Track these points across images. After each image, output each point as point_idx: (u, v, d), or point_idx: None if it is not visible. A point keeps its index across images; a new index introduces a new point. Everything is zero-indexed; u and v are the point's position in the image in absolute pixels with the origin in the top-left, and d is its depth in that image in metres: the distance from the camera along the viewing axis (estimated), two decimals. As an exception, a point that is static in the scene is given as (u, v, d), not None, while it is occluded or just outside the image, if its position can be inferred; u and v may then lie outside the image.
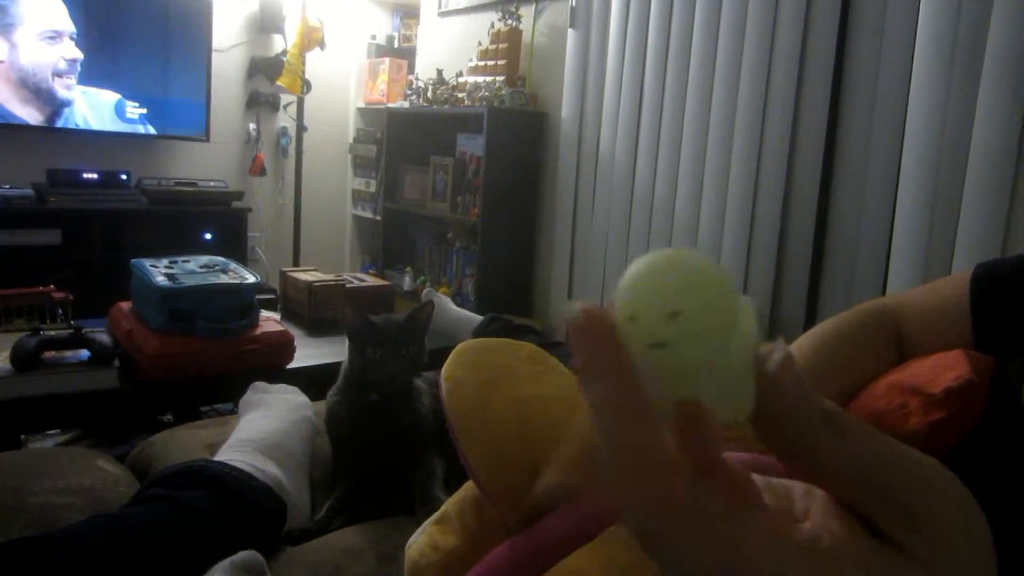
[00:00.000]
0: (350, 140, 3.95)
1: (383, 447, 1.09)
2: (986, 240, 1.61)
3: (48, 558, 0.78)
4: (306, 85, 3.36)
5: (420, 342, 1.15)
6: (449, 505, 0.59)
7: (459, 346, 0.59)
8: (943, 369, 0.70)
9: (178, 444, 1.24)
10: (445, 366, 0.56)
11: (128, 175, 3.14)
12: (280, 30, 3.56)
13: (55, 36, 2.91)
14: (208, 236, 3.22)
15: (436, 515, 0.59)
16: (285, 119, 3.72)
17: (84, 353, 1.63)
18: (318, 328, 2.00)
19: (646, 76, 2.41)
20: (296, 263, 3.53)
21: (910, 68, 1.75)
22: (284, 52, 3.41)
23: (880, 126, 1.88)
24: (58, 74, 2.95)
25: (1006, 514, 0.23)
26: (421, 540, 0.58)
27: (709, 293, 0.22)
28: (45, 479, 1.06)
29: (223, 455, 1.06)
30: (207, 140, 3.37)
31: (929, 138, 1.70)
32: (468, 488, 0.59)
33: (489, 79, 2.87)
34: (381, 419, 1.10)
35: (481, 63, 2.96)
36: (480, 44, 3.02)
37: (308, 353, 1.78)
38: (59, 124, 2.99)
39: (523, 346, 0.62)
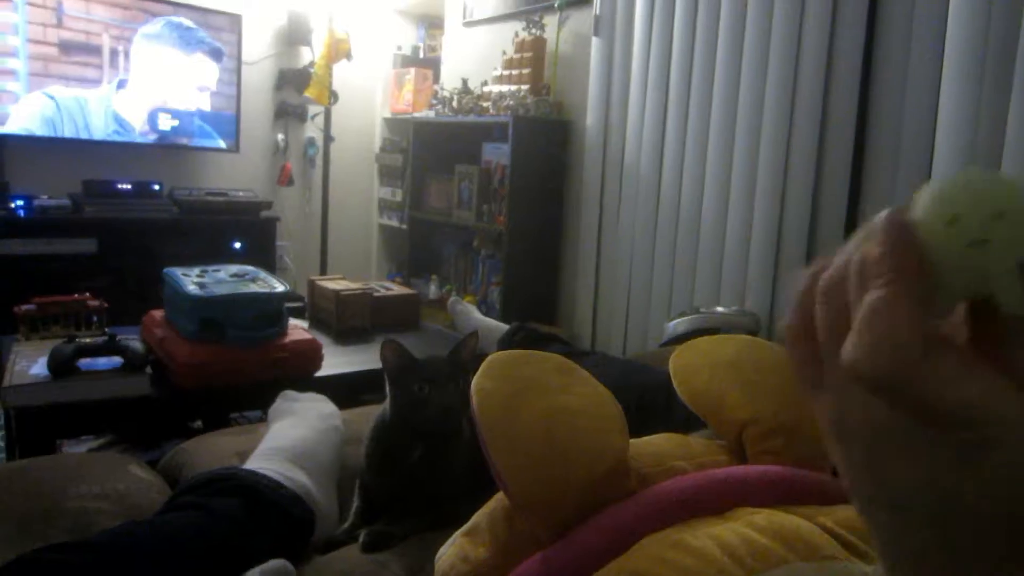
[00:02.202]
0: (376, 150, 3.98)
1: (417, 501, 1.03)
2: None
3: (84, 564, 0.79)
4: (333, 96, 3.40)
5: (468, 375, 1.03)
6: (480, 516, 0.59)
7: (488, 358, 0.59)
8: None
9: (208, 451, 1.25)
10: (475, 378, 0.57)
11: (160, 185, 3.20)
12: (308, 42, 3.62)
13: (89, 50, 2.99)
14: (238, 245, 3.27)
15: (467, 526, 0.59)
16: (312, 129, 3.76)
17: (118, 360, 1.66)
18: (346, 336, 2.02)
19: (671, 83, 2.40)
20: (323, 272, 3.57)
21: (939, 78, 1.72)
22: (311, 64, 3.46)
23: (909, 135, 1.85)
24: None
25: None
26: (451, 552, 0.58)
27: (1022, 206, 0.24)
28: (81, 484, 1.08)
29: (253, 463, 1.07)
30: (237, 151, 3.42)
31: (959, 146, 1.67)
32: (499, 500, 0.58)
33: (514, 88, 2.88)
34: (420, 478, 1.02)
35: (506, 72, 2.97)
36: (504, 53, 3.04)
37: (336, 361, 1.79)
38: (94, 136, 3.06)
39: (551, 357, 0.62)
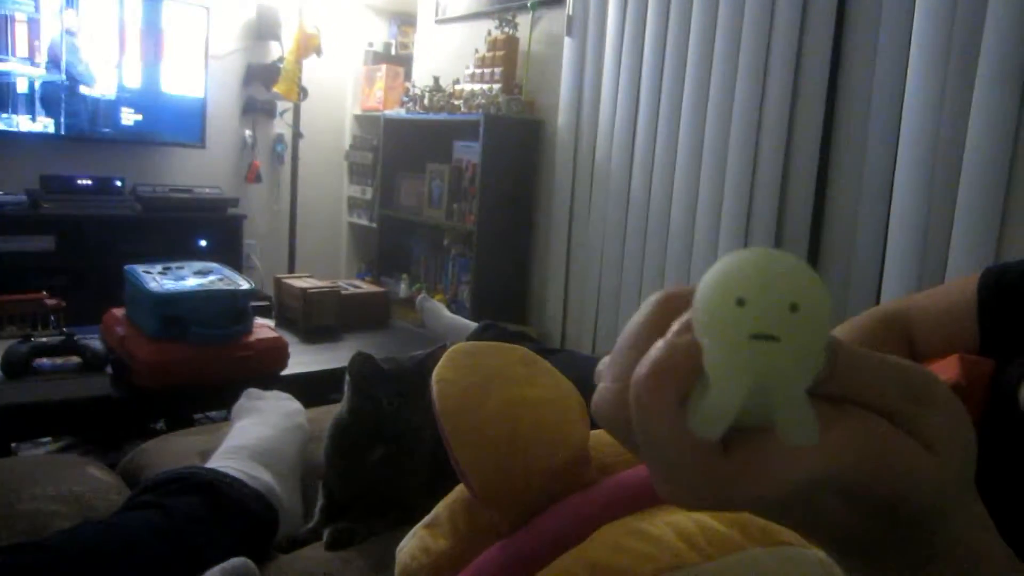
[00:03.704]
0: (346, 147, 3.95)
1: (378, 500, 1.02)
2: (981, 242, 1.61)
3: (36, 565, 0.77)
4: (302, 92, 3.37)
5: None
6: (440, 508, 0.59)
7: (451, 348, 0.59)
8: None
9: (170, 451, 1.23)
10: (437, 368, 0.56)
11: (123, 181, 3.13)
12: (277, 37, 3.57)
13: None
14: (203, 243, 3.21)
15: (427, 518, 0.59)
16: (281, 126, 3.72)
17: (76, 360, 1.62)
18: (313, 335, 2.00)
19: (642, 83, 2.42)
20: (291, 270, 3.52)
21: (904, 76, 1.76)
22: (281, 59, 3.42)
23: (875, 135, 1.89)
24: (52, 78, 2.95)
25: (1000, 516, 0.26)
26: (412, 544, 0.58)
27: (824, 299, 0.20)
28: (35, 486, 1.05)
29: (215, 462, 1.05)
30: (203, 147, 3.36)
31: (924, 142, 1.71)
32: (459, 491, 0.58)
33: (486, 86, 2.88)
34: (380, 477, 1.01)
35: (478, 70, 2.97)
36: (477, 52, 3.03)
37: (303, 360, 1.77)
38: (53, 130, 2.99)
39: (515, 349, 0.61)
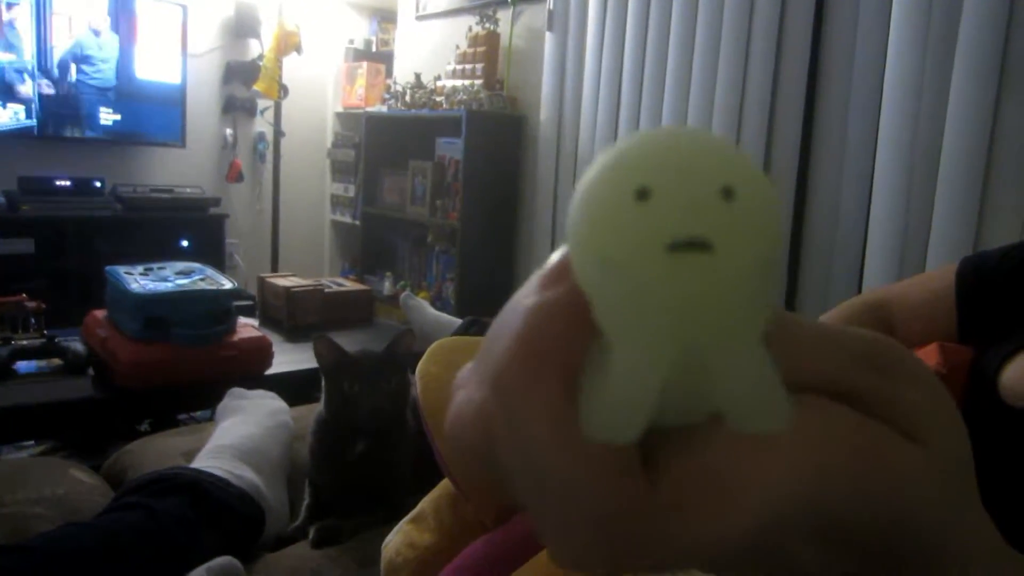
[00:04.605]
0: (328, 145, 3.93)
1: (364, 496, 1.04)
2: (960, 232, 1.64)
3: (20, 568, 0.76)
4: (283, 90, 3.34)
5: (402, 373, 1.03)
6: (425, 503, 0.59)
7: (434, 344, 0.59)
8: None
9: (154, 452, 1.22)
10: (420, 364, 0.56)
11: (102, 182, 3.10)
12: (256, 34, 3.54)
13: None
14: (185, 243, 3.18)
15: (412, 513, 0.59)
16: (262, 124, 3.69)
17: (58, 362, 1.60)
18: (297, 334, 1.99)
19: (624, 78, 2.43)
20: (275, 269, 3.50)
21: (882, 71, 1.78)
22: (260, 57, 3.39)
23: (855, 129, 1.91)
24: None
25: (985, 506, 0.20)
26: (397, 539, 0.58)
27: (767, 181, 0.13)
28: (17, 489, 1.04)
29: (200, 462, 1.05)
30: (183, 146, 3.33)
31: (903, 135, 1.73)
32: (444, 486, 0.58)
33: (467, 82, 2.87)
34: (364, 472, 1.02)
35: (459, 66, 2.96)
36: (458, 47, 3.02)
37: (287, 359, 1.77)
38: (24, 115, 2.94)
39: (498, 344, 0.62)
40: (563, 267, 0.15)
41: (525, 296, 0.16)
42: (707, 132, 0.14)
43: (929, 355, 0.71)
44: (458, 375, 0.18)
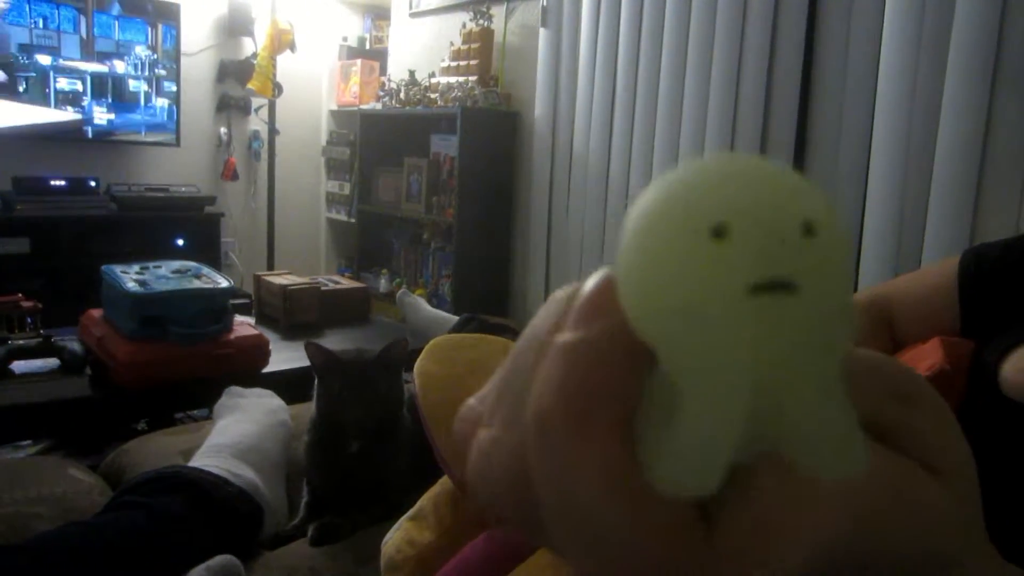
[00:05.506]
0: (323, 143, 3.92)
1: (360, 494, 1.04)
2: (955, 230, 1.65)
3: (20, 568, 0.76)
4: (277, 88, 3.33)
5: (394, 378, 1.03)
6: (425, 501, 0.59)
7: (432, 341, 0.60)
8: (919, 360, 0.70)
9: (152, 451, 1.22)
10: (418, 361, 0.57)
11: (97, 181, 3.09)
12: (250, 33, 3.53)
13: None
14: (181, 242, 3.18)
15: (412, 511, 0.60)
16: (257, 123, 3.68)
17: (55, 362, 1.60)
18: (294, 332, 1.99)
19: (618, 74, 2.43)
20: (270, 267, 3.50)
21: (877, 68, 1.79)
22: (254, 55, 3.38)
23: (849, 125, 1.91)
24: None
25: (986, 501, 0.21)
26: (397, 536, 0.58)
27: (838, 217, 0.12)
28: (15, 489, 1.04)
29: (198, 461, 1.05)
30: (177, 145, 3.32)
31: (897, 131, 1.74)
32: (443, 483, 0.59)
33: (462, 79, 2.87)
34: (359, 471, 1.02)
35: (453, 63, 2.96)
36: (452, 44, 3.02)
37: (284, 357, 1.76)
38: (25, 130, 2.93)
39: (497, 340, 0.62)
40: (604, 299, 0.14)
41: (552, 329, 0.15)
42: (774, 162, 0.13)
43: (932, 351, 0.71)
44: (467, 405, 0.17)
